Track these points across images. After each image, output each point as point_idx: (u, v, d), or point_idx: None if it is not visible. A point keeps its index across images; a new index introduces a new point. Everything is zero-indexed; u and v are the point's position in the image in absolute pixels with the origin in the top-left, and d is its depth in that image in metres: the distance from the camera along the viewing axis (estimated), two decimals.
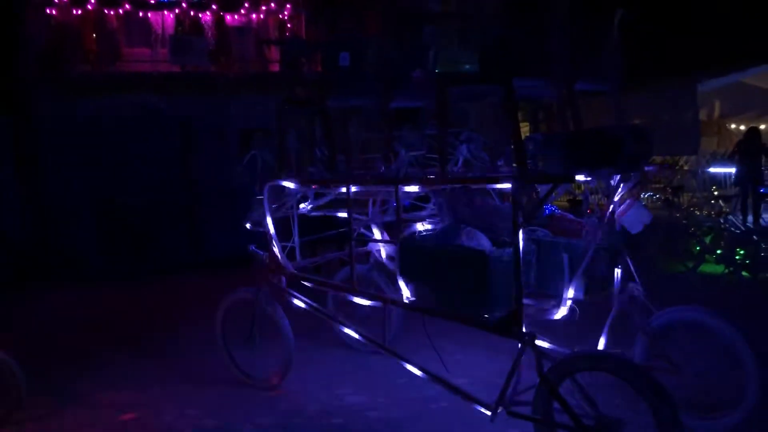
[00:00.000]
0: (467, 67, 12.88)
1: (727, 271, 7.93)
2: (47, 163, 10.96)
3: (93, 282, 9.68)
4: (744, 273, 7.69)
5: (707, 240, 8.33)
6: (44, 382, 5.27)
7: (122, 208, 11.21)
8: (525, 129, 4.87)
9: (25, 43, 11.08)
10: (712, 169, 13.59)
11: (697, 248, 8.35)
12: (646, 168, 3.77)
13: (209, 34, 12.07)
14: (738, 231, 7.91)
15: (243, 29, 12.17)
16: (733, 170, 13.04)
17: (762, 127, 15.75)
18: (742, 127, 15.70)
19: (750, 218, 10.46)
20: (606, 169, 3.40)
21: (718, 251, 8.10)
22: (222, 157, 11.42)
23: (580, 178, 3.32)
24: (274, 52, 12.32)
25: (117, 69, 11.47)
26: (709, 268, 8.22)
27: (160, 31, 11.76)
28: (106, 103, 11.11)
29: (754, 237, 7.58)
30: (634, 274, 3.84)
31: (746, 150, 11.13)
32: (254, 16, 12.44)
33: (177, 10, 11.73)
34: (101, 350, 6.20)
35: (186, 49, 11.46)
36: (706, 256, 8.24)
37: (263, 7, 12.30)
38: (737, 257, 7.79)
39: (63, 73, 10.92)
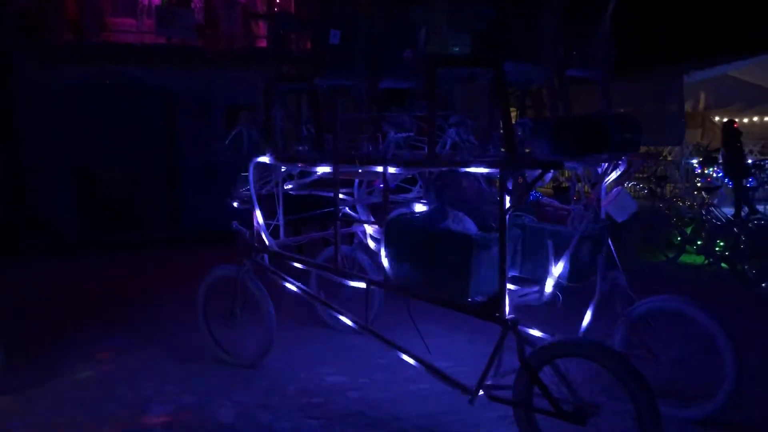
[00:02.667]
0: (456, 49, 12.83)
1: (706, 262, 8.02)
2: (25, 132, 10.76)
3: (69, 253, 9.59)
4: (723, 264, 7.78)
5: (688, 231, 8.42)
6: (23, 353, 5.23)
7: (101, 180, 11.09)
8: (512, 114, 4.86)
9: (4, 7, 10.82)
10: (695, 161, 13.70)
11: (678, 239, 8.44)
12: (633, 157, 3.77)
13: (196, 7, 11.88)
14: (719, 223, 7.99)
15: (231, 3, 11.98)
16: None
17: (745, 120, 15.91)
18: (725, 120, 15.83)
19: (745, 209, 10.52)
20: (595, 156, 3.40)
21: (699, 242, 8.19)
22: (205, 132, 11.30)
23: (568, 164, 3.31)
24: (262, 28, 12.17)
25: (100, 39, 11.26)
26: (689, 258, 8.32)
27: (146, 2, 11.55)
28: (88, 73, 10.93)
29: (735, 229, 7.66)
30: (617, 262, 3.87)
31: (729, 144, 11.27)
32: None
33: None
34: (80, 323, 6.14)
35: (172, 22, 11.27)
36: (687, 246, 8.34)
37: None
38: (717, 249, 7.88)
39: (44, 41, 10.70)
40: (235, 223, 5.04)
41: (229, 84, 11.34)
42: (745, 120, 15.89)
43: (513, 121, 3.44)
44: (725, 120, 13.13)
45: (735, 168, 10.78)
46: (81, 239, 10.43)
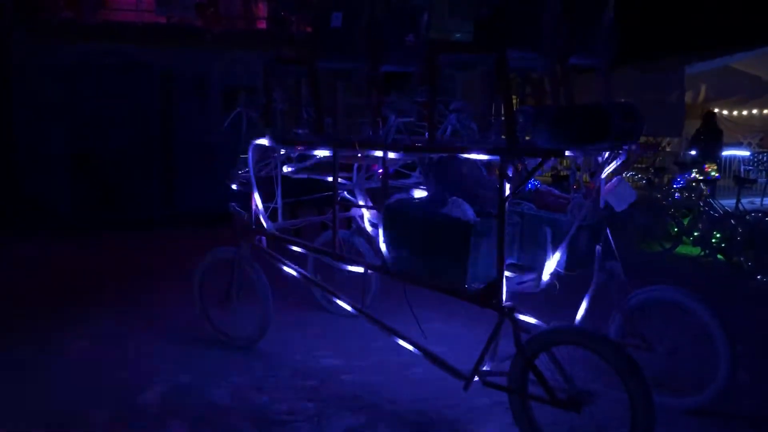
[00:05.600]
0: (458, 35, 12.77)
1: (703, 253, 8.04)
2: (20, 110, 10.68)
3: (64, 233, 9.55)
4: (719, 256, 7.80)
5: (685, 222, 8.43)
6: (17, 332, 5.22)
7: (97, 159, 11.03)
8: (514, 101, 4.84)
9: None
10: (693, 152, 13.70)
11: (675, 229, 8.46)
12: (633, 147, 3.76)
13: None
14: (716, 214, 8.00)
15: None
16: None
17: (744, 113, 15.89)
18: (725, 112, 15.80)
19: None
20: (596, 145, 3.39)
21: (696, 233, 8.21)
22: (203, 113, 11.25)
23: (568, 153, 3.31)
24: (263, 9, 12.08)
25: (99, 17, 11.15)
26: (686, 249, 8.34)
27: None
28: (86, 52, 10.83)
29: (732, 221, 7.67)
30: (615, 252, 3.87)
31: (705, 135, 11.45)
32: None
33: None
34: (75, 302, 6.14)
35: (172, 1, 11.18)
36: (684, 237, 8.35)
37: None
38: (714, 240, 7.90)
39: (41, 19, 10.59)
40: (233, 205, 5.03)
41: (228, 65, 11.27)
42: (745, 112, 15.87)
43: (514, 109, 3.43)
44: (708, 111, 13.15)
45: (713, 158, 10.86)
46: (76, 218, 10.40)
